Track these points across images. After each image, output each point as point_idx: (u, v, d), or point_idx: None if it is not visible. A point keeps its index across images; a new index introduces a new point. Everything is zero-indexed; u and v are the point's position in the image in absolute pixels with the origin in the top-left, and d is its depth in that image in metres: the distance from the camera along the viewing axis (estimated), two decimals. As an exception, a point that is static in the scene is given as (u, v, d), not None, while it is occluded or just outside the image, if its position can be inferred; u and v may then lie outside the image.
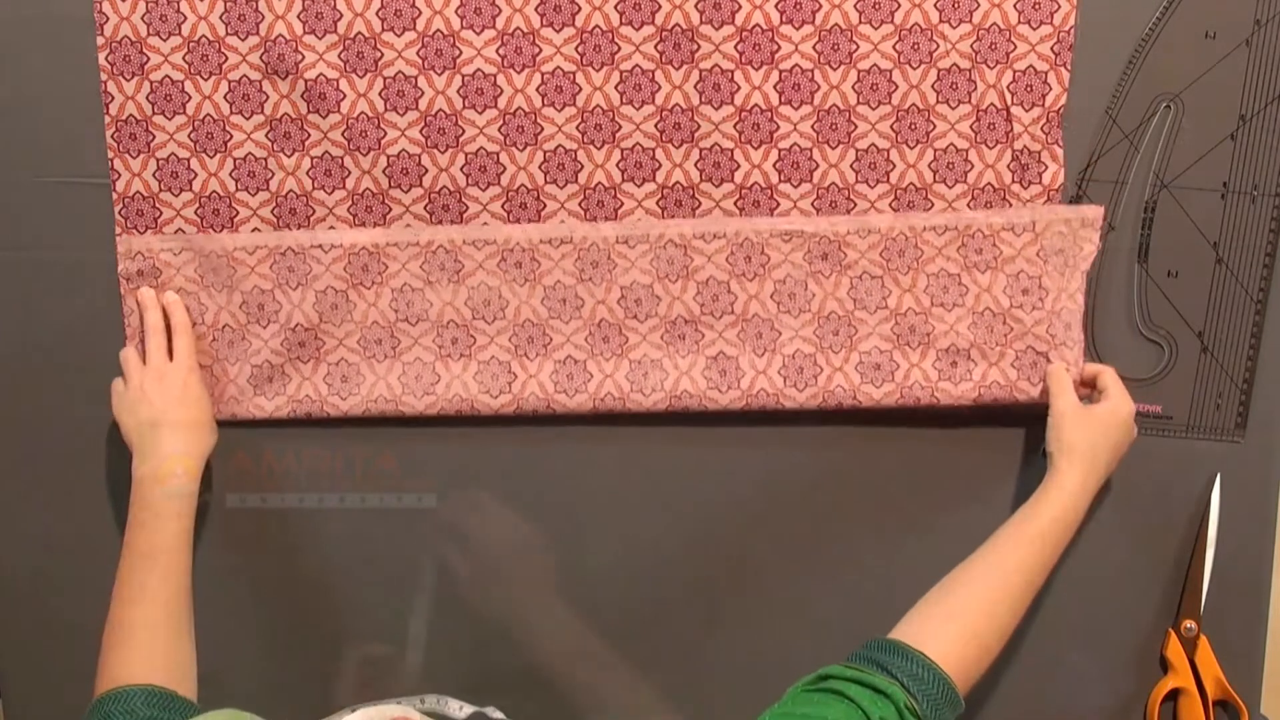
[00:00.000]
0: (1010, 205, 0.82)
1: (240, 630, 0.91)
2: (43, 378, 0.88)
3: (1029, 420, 0.85)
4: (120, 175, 0.85)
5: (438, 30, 0.82)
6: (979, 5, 0.80)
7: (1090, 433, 0.78)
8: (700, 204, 0.84)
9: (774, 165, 0.83)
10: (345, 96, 0.83)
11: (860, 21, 0.80)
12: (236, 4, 0.82)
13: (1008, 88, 0.81)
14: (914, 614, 0.73)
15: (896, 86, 0.81)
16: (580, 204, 0.84)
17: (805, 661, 0.90)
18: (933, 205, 0.83)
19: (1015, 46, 0.80)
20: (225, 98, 0.84)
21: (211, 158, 0.85)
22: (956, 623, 0.71)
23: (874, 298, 0.84)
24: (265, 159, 0.85)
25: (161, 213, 0.86)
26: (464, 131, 0.84)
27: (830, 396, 0.85)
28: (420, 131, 0.84)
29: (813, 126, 0.82)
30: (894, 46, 0.81)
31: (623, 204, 0.84)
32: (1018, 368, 0.83)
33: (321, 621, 0.91)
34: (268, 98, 0.84)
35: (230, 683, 0.92)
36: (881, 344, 0.84)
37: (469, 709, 0.84)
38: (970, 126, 0.82)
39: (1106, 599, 0.87)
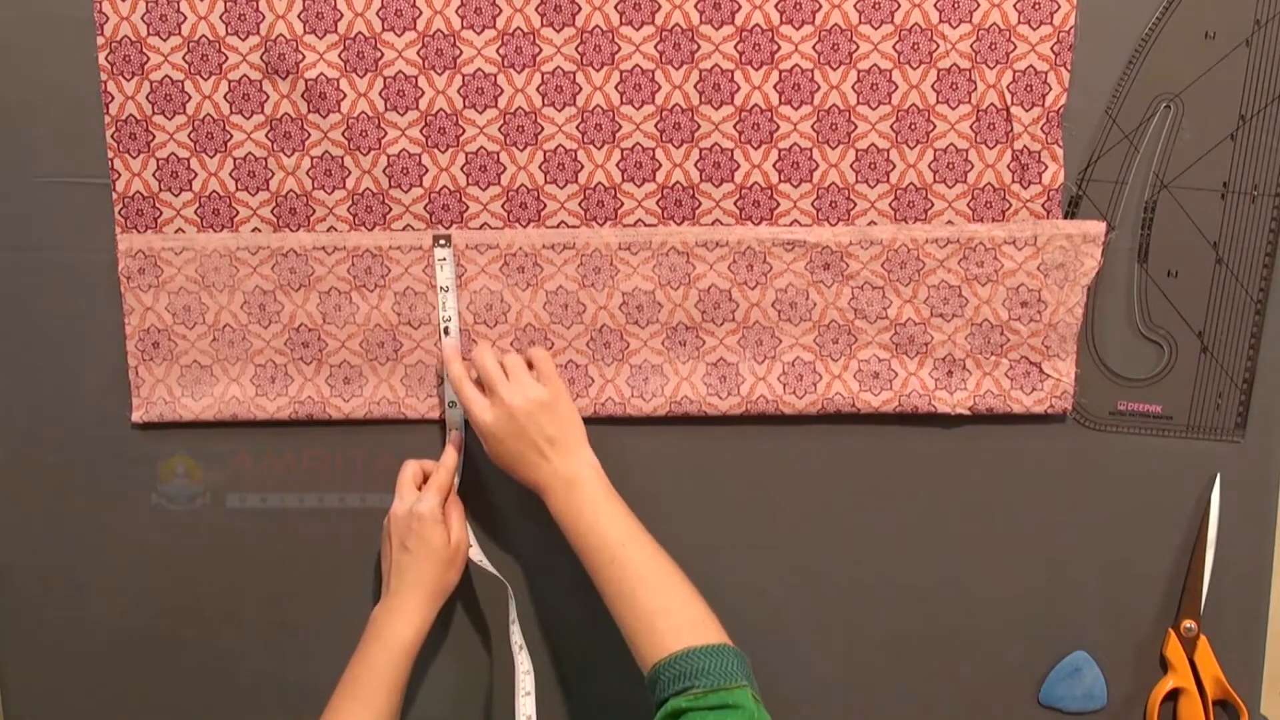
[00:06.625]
0: (1010, 205, 0.82)
1: (240, 630, 0.91)
2: (43, 378, 0.88)
3: (1028, 420, 0.85)
4: (120, 175, 0.85)
5: (438, 30, 0.82)
6: (979, 5, 0.80)
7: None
8: (700, 204, 0.84)
9: (774, 165, 0.83)
10: (345, 96, 0.83)
11: (860, 21, 0.80)
12: (236, 4, 0.82)
13: (1008, 88, 0.81)
14: (656, 619, 0.72)
15: (896, 86, 0.81)
16: (580, 204, 0.84)
17: (806, 661, 0.90)
18: (933, 205, 0.83)
19: (1015, 46, 0.80)
20: (225, 97, 0.84)
21: (211, 157, 0.85)
22: (695, 603, 0.73)
23: (874, 308, 0.84)
24: (265, 159, 0.85)
25: (161, 213, 0.86)
26: (464, 131, 0.84)
27: (829, 404, 0.85)
28: (420, 131, 0.84)
29: (813, 126, 0.82)
30: (894, 46, 0.81)
31: (623, 204, 0.84)
32: (1011, 378, 0.84)
33: (321, 621, 0.91)
34: (268, 98, 0.84)
35: (231, 684, 0.92)
36: (880, 353, 0.84)
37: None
38: (970, 126, 0.82)
39: (1106, 599, 0.87)
